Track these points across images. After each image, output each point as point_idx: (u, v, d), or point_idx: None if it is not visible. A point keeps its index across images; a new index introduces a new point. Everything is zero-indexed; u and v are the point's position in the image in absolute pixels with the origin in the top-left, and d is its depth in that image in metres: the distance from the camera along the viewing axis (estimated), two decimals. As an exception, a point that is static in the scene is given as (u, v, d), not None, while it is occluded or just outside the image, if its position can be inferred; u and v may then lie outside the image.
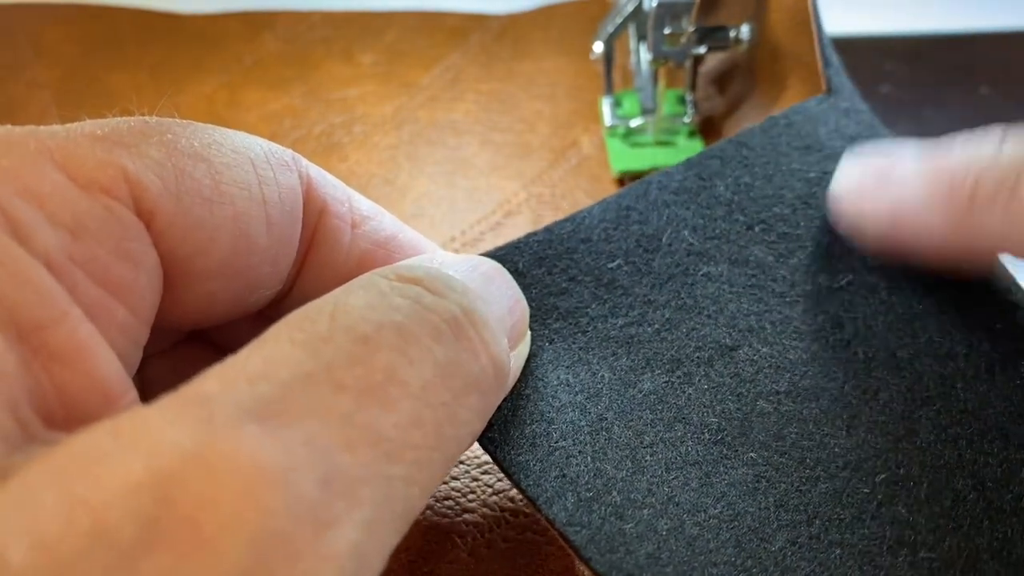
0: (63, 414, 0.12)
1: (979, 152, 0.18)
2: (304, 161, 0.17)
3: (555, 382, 0.19)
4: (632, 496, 0.17)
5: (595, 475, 0.17)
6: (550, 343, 0.19)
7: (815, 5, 0.26)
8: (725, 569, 0.16)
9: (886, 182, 0.19)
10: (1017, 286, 0.20)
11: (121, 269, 0.14)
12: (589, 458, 0.17)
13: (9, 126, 0.14)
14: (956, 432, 0.18)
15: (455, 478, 0.22)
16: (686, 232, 0.21)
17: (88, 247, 0.13)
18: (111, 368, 0.13)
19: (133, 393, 0.13)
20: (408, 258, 0.18)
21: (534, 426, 0.18)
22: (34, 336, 0.12)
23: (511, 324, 0.17)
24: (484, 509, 0.21)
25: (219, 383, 0.12)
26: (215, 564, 0.10)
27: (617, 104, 0.33)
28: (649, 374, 0.19)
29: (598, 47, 0.32)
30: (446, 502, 0.21)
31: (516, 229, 0.29)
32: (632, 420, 0.18)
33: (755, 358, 0.19)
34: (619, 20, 0.32)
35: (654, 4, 0.29)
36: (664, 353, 0.19)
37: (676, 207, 0.21)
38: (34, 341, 0.12)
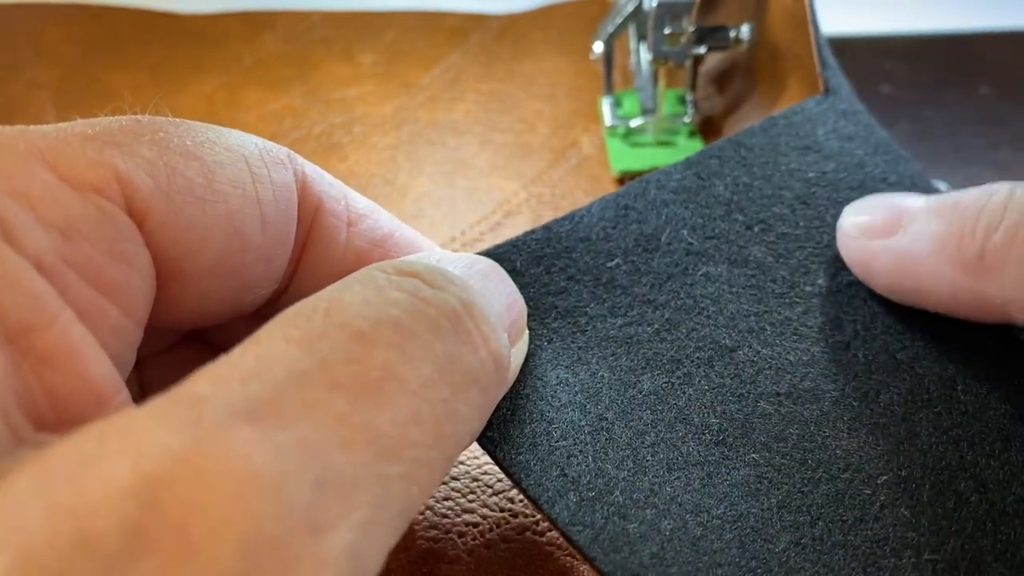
0: (54, 417, 0.12)
1: (988, 207, 0.17)
2: (300, 159, 0.17)
3: (554, 381, 0.18)
4: (635, 496, 0.17)
5: (597, 475, 0.17)
6: (549, 342, 0.19)
7: (812, 6, 0.26)
8: (730, 570, 0.16)
9: (895, 227, 0.19)
10: None
11: (114, 270, 0.13)
12: (590, 458, 0.17)
13: None
14: (957, 434, 0.18)
15: (455, 478, 0.22)
16: (685, 231, 0.21)
17: (80, 248, 0.13)
18: (103, 370, 0.13)
19: (125, 394, 0.13)
20: (405, 255, 0.18)
21: (534, 425, 0.18)
22: (23, 339, 0.12)
23: (510, 321, 0.17)
24: (484, 509, 0.21)
25: (211, 383, 0.11)
26: (204, 571, 0.10)
27: (617, 104, 0.33)
28: (649, 374, 0.19)
29: (598, 47, 0.32)
30: (446, 502, 0.21)
31: (516, 229, 0.29)
32: (633, 420, 0.18)
33: (755, 359, 0.19)
34: (619, 20, 0.32)
35: (654, 4, 0.29)
36: (664, 353, 0.19)
37: (675, 206, 0.21)
38: (23, 344, 0.12)
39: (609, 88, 0.32)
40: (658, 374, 0.19)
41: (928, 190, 0.21)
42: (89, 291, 0.13)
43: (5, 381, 0.11)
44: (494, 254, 0.20)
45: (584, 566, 0.20)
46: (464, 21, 0.39)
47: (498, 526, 0.21)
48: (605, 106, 0.32)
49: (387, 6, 0.40)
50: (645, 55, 0.32)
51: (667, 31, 0.29)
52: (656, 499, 0.17)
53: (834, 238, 0.21)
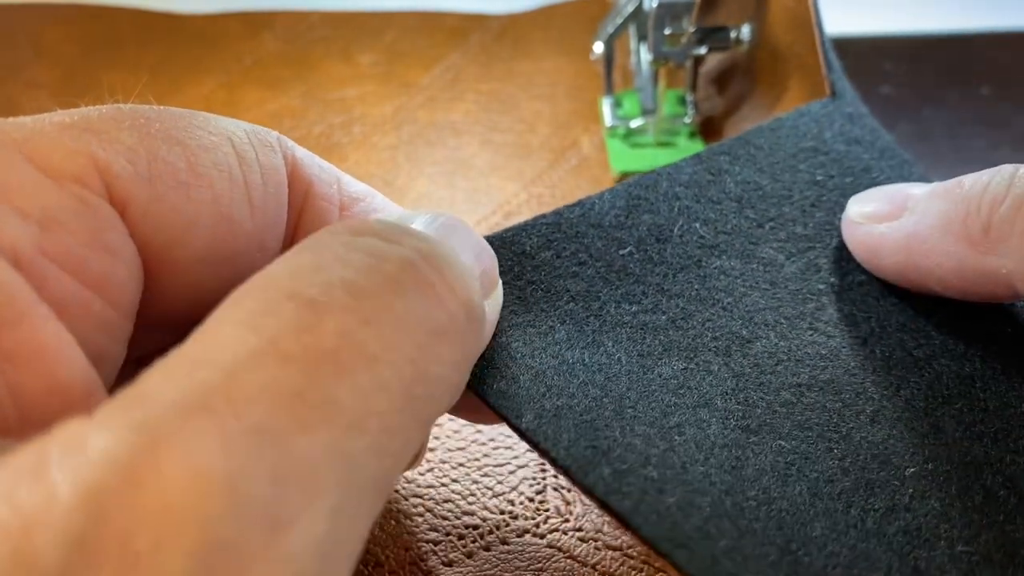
0: (17, 418, 0.12)
1: (993, 183, 0.17)
2: (290, 142, 0.17)
3: (571, 360, 0.18)
4: (668, 473, 0.16)
5: (627, 449, 0.16)
6: (562, 323, 0.19)
7: (816, 8, 0.26)
8: (774, 551, 0.16)
9: (901, 211, 0.19)
10: None
11: (97, 261, 0.13)
12: (617, 433, 0.17)
13: None
14: (980, 430, 0.18)
15: (455, 480, 0.22)
16: (697, 225, 0.21)
17: (60, 239, 0.13)
18: (74, 369, 0.12)
19: (101, 395, 0.13)
20: None
21: (556, 400, 0.17)
22: None
23: (480, 270, 0.16)
24: (484, 512, 0.21)
25: (160, 377, 0.11)
26: None
27: (617, 104, 0.33)
28: (667, 360, 0.19)
29: (598, 47, 0.32)
30: (446, 504, 0.21)
31: (516, 230, 0.29)
32: (655, 402, 0.18)
33: (773, 351, 0.19)
34: (619, 20, 0.31)
35: (654, 4, 0.29)
36: (680, 341, 0.19)
37: (686, 200, 0.21)
38: None
39: (609, 88, 0.32)
40: (676, 360, 0.19)
41: None
42: (71, 283, 0.13)
43: None
44: (504, 237, 0.20)
45: (585, 568, 0.20)
46: (464, 21, 0.39)
47: (498, 528, 0.21)
48: (605, 106, 0.32)
49: (386, 6, 0.40)
50: (645, 55, 0.32)
51: (667, 31, 0.29)
52: (689, 477, 0.16)
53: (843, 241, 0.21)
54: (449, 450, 0.22)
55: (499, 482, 0.21)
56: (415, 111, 0.34)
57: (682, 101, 0.32)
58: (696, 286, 0.20)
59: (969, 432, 0.18)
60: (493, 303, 0.17)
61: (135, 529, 0.09)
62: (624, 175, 0.30)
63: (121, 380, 0.14)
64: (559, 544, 0.20)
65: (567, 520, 0.21)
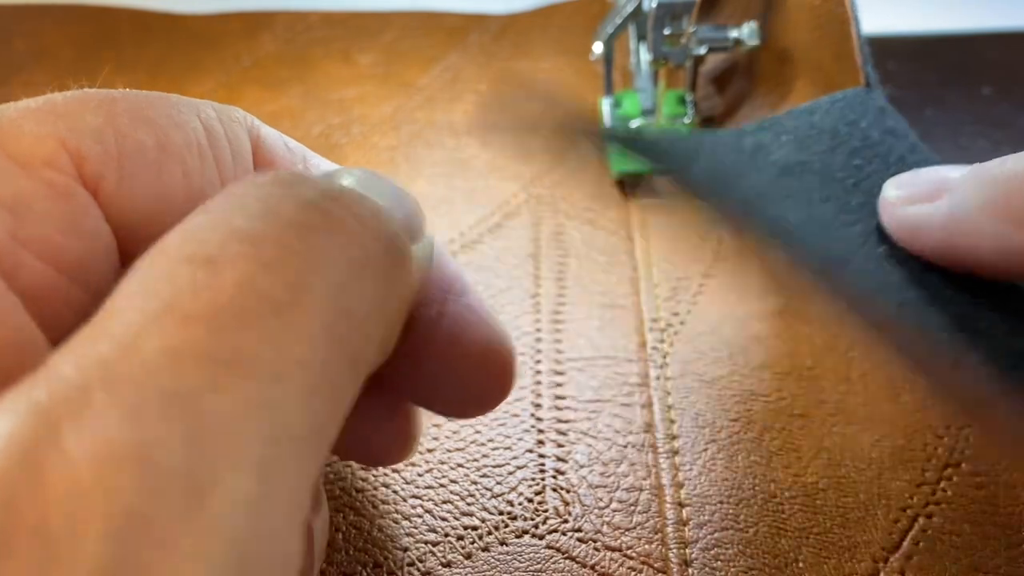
0: None
1: None
2: (256, 120, 0.17)
3: None
4: None
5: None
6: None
7: (853, 4, 0.26)
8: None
9: (940, 190, 0.19)
10: None
11: (71, 245, 0.13)
12: None
13: None
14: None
15: (454, 481, 0.21)
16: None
17: (32, 225, 0.12)
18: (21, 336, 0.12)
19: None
20: None
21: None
22: None
23: (403, 215, 0.15)
24: (483, 512, 0.21)
25: (60, 356, 0.10)
26: (70, 569, 0.08)
27: (617, 105, 0.33)
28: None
29: (598, 48, 0.32)
30: (444, 505, 0.21)
31: (515, 231, 0.29)
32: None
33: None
34: (619, 20, 0.31)
35: (654, 5, 0.29)
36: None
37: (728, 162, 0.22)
38: None
39: (609, 89, 0.32)
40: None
41: None
42: (45, 269, 0.12)
43: None
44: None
45: (585, 569, 0.20)
46: (463, 21, 0.39)
47: (497, 529, 0.20)
48: (605, 107, 0.32)
49: (386, 6, 0.40)
50: (645, 56, 0.32)
51: (667, 32, 0.29)
52: None
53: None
54: (448, 451, 0.22)
55: (498, 483, 0.21)
56: (414, 111, 0.34)
57: (682, 101, 0.32)
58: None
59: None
60: (423, 248, 0.16)
61: (46, 514, 0.09)
62: (623, 176, 0.30)
63: None
64: (558, 545, 0.20)
65: (566, 521, 0.20)
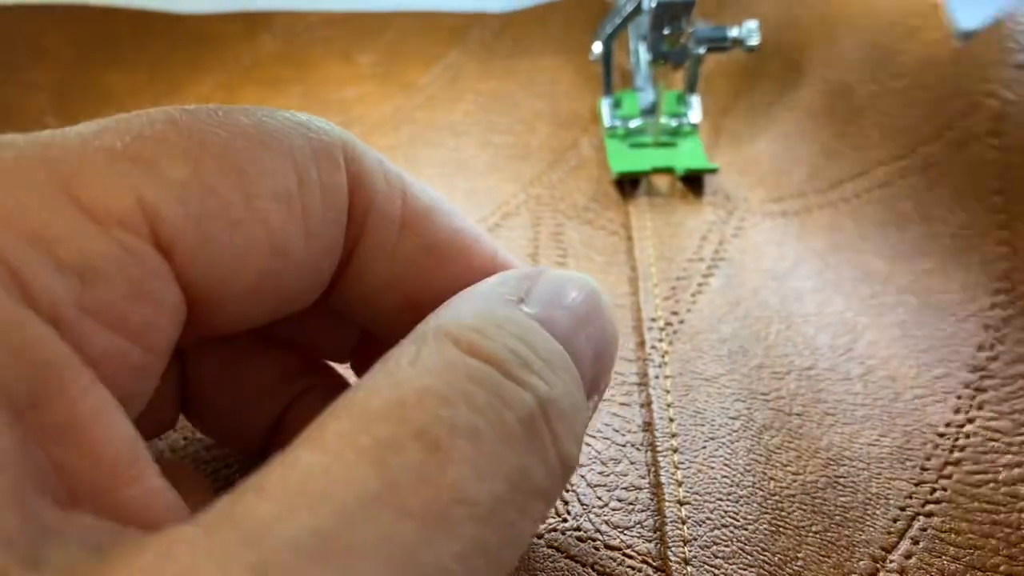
0: (65, 493, 0.11)
1: None
2: (359, 147, 0.15)
3: None
4: None
5: None
6: None
7: None
8: None
9: None
10: None
11: (137, 311, 0.12)
12: None
13: (17, 142, 0.12)
14: None
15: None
16: None
17: (100, 292, 0.12)
18: (119, 441, 0.12)
19: (145, 462, 0.12)
20: (458, 266, 0.16)
21: None
22: (30, 414, 0.11)
23: (595, 373, 0.15)
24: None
25: (273, 504, 0.10)
26: None
27: (616, 105, 0.33)
28: None
29: (597, 48, 0.32)
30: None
31: (514, 231, 0.29)
32: None
33: None
34: (618, 20, 0.31)
35: (653, 5, 0.29)
36: None
37: None
38: (30, 419, 0.11)
39: (608, 89, 0.32)
40: None
41: None
42: (109, 337, 0.12)
43: (17, 467, 0.10)
44: None
45: (585, 569, 0.20)
46: (463, 20, 0.39)
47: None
48: (604, 107, 0.32)
49: (386, 6, 0.40)
50: (644, 55, 0.32)
51: (666, 31, 0.29)
52: None
53: None
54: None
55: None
56: (414, 111, 0.34)
57: (681, 101, 0.32)
58: None
59: None
60: (592, 408, 0.16)
61: None
62: (623, 175, 0.30)
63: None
64: (557, 544, 0.20)
65: (565, 520, 0.20)
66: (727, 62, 0.34)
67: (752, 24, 0.29)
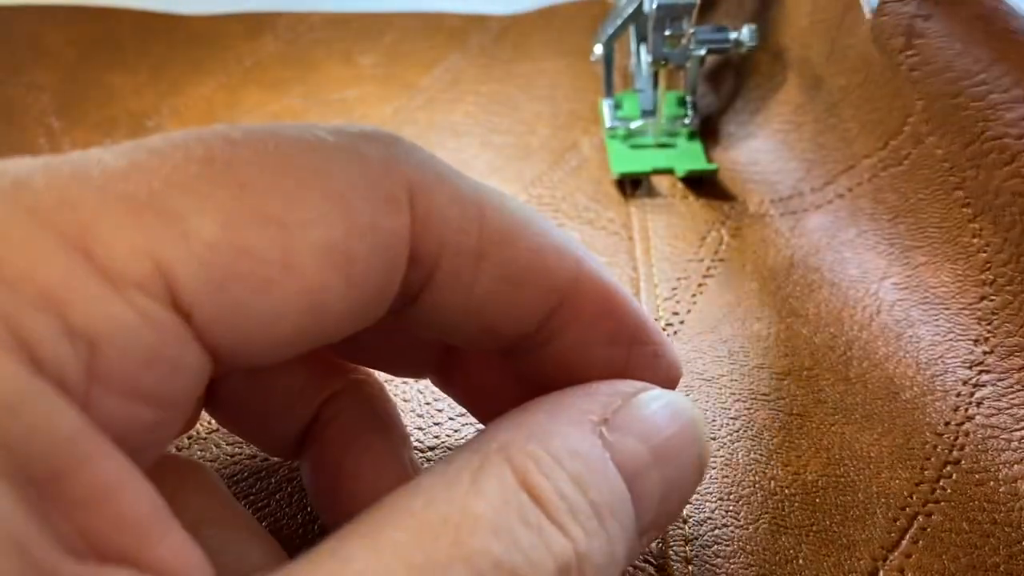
0: (93, 553, 0.11)
1: None
2: (427, 178, 0.13)
3: None
4: None
5: None
6: None
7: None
8: None
9: None
10: None
11: (152, 376, 0.11)
12: None
13: (36, 182, 0.11)
14: None
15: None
16: None
17: (112, 360, 0.11)
18: (141, 503, 0.11)
19: (167, 520, 0.12)
20: (539, 288, 0.15)
21: None
22: (51, 486, 0.10)
23: (655, 516, 0.14)
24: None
25: None
26: None
27: (617, 106, 0.33)
28: None
29: (598, 49, 0.32)
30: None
31: (516, 231, 0.29)
32: None
33: None
34: (619, 22, 0.32)
35: (654, 6, 0.29)
36: None
37: None
38: (51, 490, 0.10)
39: (609, 90, 0.32)
40: None
41: None
42: (122, 403, 0.11)
43: (34, 533, 0.10)
44: None
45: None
46: (464, 22, 0.39)
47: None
48: (605, 108, 0.32)
49: (387, 7, 0.40)
50: (645, 57, 0.32)
51: (667, 33, 0.29)
52: None
53: None
54: (449, 448, 0.22)
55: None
56: (415, 112, 0.34)
57: (682, 102, 0.32)
58: None
59: None
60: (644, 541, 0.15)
61: None
62: (624, 176, 0.30)
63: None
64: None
65: (567, 519, 0.20)
66: (724, 60, 0.34)
67: (752, 26, 0.29)
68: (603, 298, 0.15)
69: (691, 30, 0.29)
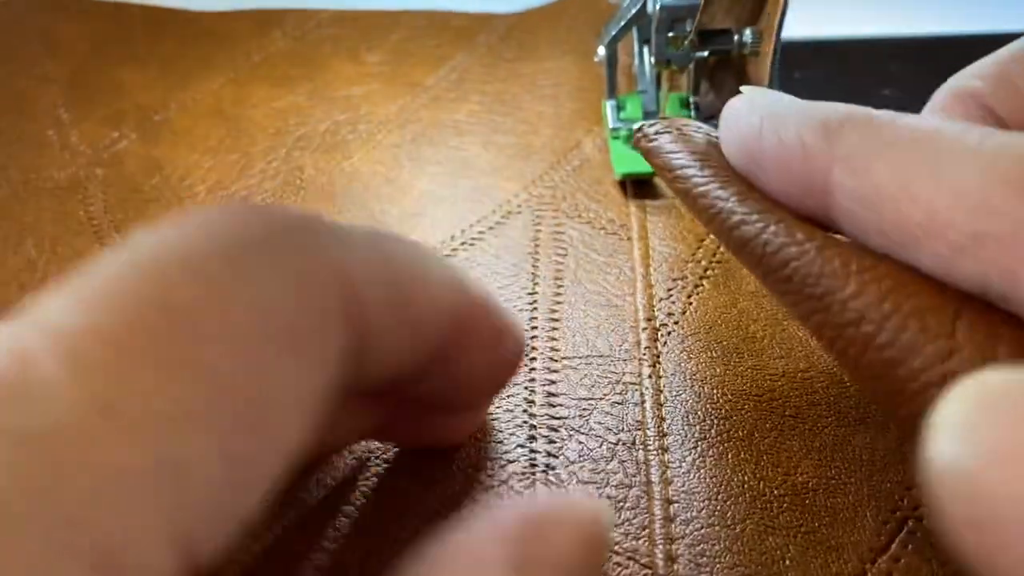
0: None
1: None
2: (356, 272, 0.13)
3: None
4: None
5: None
6: None
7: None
8: None
9: None
10: None
11: None
12: None
13: None
14: None
15: (445, 475, 0.22)
16: None
17: None
18: None
19: None
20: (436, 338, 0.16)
21: None
22: None
23: None
24: (472, 505, 0.21)
25: None
26: None
27: (620, 107, 0.33)
28: None
29: (601, 51, 0.32)
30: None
31: (516, 230, 0.29)
32: None
33: None
34: (622, 23, 0.32)
35: (657, 8, 0.29)
36: None
37: None
38: None
39: (612, 91, 0.33)
40: None
41: None
42: None
43: None
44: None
45: (571, 564, 0.20)
46: (471, 21, 0.39)
47: (487, 523, 0.21)
48: (608, 109, 0.32)
49: (394, 6, 0.40)
50: (648, 58, 0.32)
51: (670, 35, 0.29)
52: None
53: None
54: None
55: (489, 476, 0.22)
56: (419, 110, 0.35)
57: (684, 104, 0.32)
58: None
59: None
60: None
61: None
62: (626, 177, 0.30)
63: None
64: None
65: (556, 516, 0.21)
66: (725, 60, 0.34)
67: (755, 28, 0.29)
68: (489, 324, 0.17)
69: (694, 32, 0.29)
